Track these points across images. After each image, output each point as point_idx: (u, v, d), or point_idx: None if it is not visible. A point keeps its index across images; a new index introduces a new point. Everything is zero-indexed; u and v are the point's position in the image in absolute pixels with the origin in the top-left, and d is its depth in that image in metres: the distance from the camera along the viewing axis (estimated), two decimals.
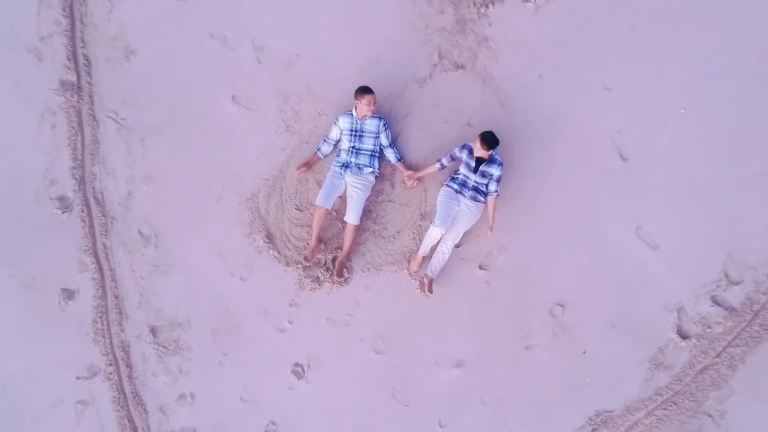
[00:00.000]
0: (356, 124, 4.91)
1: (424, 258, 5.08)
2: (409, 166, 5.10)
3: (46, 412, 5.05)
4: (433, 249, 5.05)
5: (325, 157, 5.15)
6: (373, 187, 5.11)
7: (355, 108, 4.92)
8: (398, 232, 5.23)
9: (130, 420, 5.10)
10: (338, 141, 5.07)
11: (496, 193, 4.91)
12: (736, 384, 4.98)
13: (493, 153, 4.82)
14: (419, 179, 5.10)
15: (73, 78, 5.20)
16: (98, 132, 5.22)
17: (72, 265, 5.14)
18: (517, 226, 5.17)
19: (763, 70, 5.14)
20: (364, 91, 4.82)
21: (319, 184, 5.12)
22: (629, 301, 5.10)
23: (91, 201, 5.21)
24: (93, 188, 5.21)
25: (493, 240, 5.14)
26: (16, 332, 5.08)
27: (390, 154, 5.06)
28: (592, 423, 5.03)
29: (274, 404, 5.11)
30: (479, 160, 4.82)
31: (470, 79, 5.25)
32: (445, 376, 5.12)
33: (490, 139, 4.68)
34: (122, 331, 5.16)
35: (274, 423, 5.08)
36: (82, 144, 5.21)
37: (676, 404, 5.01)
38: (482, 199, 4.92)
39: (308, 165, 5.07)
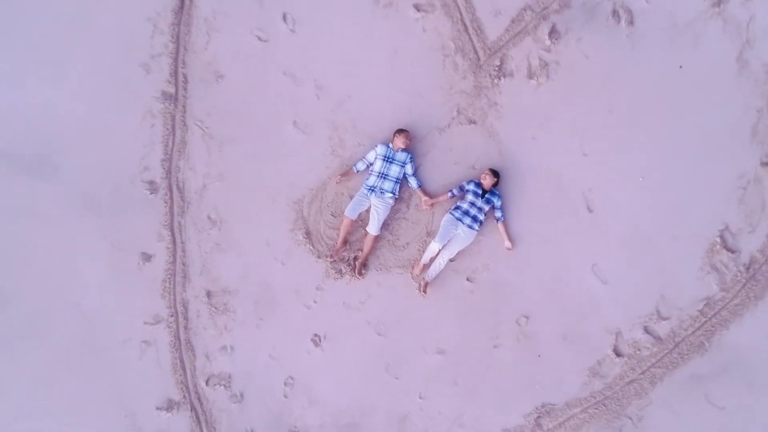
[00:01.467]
0: (390, 152, 5.64)
1: (424, 266, 5.65)
2: (426, 193, 5.71)
3: (118, 345, 5.77)
4: (432, 260, 5.61)
5: (357, 172, 5.71)
6: (392, 207, 5.69)
7: (392, 141, 5.68)
8: (407, 243, 5.79)
9: (181, 361, 5.78)
10: (371, 163, 5.68)
11: (502, 218, 5.62)
12: (654, 396, 5.59)
13: (493, 188, 5.64)
14: (432, 205, 5.70)
15: (172, 90, 5.77)
16: (186, 135, 5.79)
17: (152, 235, 5.79)
18: (500, 251, 5.71)
19: (705, 158, 5.61)
20: (402, 130, 5.67)
21: (352, 197, 5.69)
22: (579, 320, 5.65)
23: (174, 188, 5.80)
24: (177, 178, 5.80)
25: (480, 259, 5.72)
26: (102, 281, 5.79)
27: (413, 181, 5.71)
28: (538, 411, 5.65)
29: (294, 363, 5.73)
30: (484, 190, 5.64)
31: (479, 132, 5.75)
32: (429, 359, 5.70)
33: (495, 171, 5.59)
34: (184, 291, 5.80)
35: (292, 378, 5.75)
36: (173, 143, 5.79)
37: (605, 406, 5.62)
38: (476, 227, 5.54)
39: (344, 175, 5.69)
